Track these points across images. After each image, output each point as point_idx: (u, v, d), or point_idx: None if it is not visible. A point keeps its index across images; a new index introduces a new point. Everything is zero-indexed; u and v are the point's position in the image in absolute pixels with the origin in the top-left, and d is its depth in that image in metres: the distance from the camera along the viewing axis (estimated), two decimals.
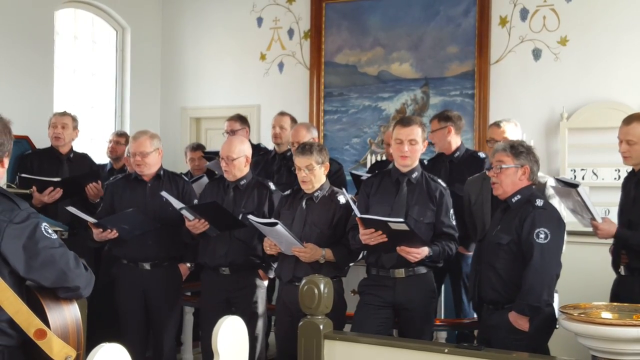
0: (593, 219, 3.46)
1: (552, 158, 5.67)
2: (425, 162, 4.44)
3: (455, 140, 4.40)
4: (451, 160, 4.36)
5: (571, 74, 5.66)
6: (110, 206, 4.19)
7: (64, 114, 4.92)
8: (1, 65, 5.45)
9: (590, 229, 3.59)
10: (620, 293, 3.49)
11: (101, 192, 4.58)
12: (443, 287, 4.46)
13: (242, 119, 5.26)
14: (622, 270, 3.53)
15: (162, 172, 4.24)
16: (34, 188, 4.47)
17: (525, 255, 3.20)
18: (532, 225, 3.20)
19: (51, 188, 4.49)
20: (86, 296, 2.38)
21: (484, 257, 3.39)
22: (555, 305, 3.38)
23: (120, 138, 5.39)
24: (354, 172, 5.06)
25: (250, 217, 3.72)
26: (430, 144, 5.60)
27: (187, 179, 4.44)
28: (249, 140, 5.15)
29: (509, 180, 3.33)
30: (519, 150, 3.34)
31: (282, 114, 5.07)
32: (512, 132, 4.11)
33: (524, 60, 5.83)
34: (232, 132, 5.11)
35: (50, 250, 2.24)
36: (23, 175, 4.52)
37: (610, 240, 3.64)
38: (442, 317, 4.47)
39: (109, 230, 3.97)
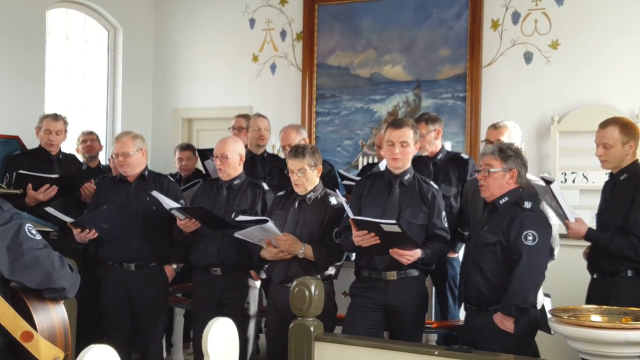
0: (565, 217, 3.47)
1: (543, 161, 5.70)
2: None
3: (439, 142, 4.41)
4: (434, 163, 4.35)
5: (562, 78, 5.69)
6: (96, 206, 4.18)
7: (57, 118, 4.85)
8: None
9: None
10: (593, 296, 3.51)
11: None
12: (434, 289, 4.47)
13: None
14: (595, 274, 3.56)
15: (146, 173, 4.23)
16: (30, 186, 4.46)
17: (513, 256, 3.21)
18: (520, 227, 3.21)
19: (47, 186, 4.47)
20: (71, 297, 2.35)
21: (470, 258, 3.40)
22: (548, 308, 3.39)
23: (92, 136, 5.44)
24: (341, 172, 5.05)
25: (237, 234, 3.70)
26: None
27: (172, 179, 4.42)
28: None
29: (496, 183, 3.33)
30: (507, 153, 3.33)
31: (259, 115, 5.03)
32: (510, 133, 4.03)
33: (516, 64, 5.86)
34: (239, 129, 5.13)
35: (35, 251, 2.22)
36: (21, 171, 4.48)
37: (586, 244, 3.66)
38: (433, 319, 4.48)
39: (88, 230, 3.95)
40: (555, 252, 3.74)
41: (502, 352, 3.03)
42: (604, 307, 3.19)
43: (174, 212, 3.89)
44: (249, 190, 4.06)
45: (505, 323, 3.19)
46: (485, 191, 3.38)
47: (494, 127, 4.09)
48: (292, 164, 3.69)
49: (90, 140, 5.41)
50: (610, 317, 3.04)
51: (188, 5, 7.07)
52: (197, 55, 7.03)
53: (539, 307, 3.49)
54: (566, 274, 4.10)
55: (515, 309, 3.15)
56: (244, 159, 4.11)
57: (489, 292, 3.26)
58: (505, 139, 3.96)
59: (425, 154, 4.34)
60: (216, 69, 6.94)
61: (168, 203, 3.93)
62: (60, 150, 4.94)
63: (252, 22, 6.80)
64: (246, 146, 4.90)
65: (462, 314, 4.20)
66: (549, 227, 3.35)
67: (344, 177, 4.90)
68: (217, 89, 6.95)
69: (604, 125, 3.53)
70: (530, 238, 3.17)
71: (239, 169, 4.08)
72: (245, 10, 6.81)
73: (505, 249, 3.24)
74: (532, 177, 3.78)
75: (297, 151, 3.71)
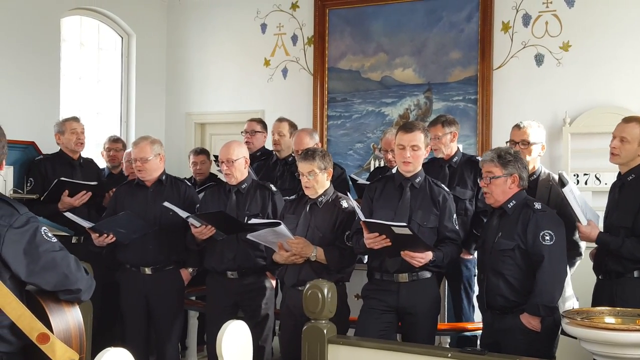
0: (578, 220, 3.48)
1: (555, 163, 5.67)
2: None
3: (455, 145, 4.41)
4: (450, 165, 4.34)
5: (573, 79, 5.67)
6: (114, 211, 4.23)
7: (77, 119, 4.99)
8: (8, 71, 5.49)
9: None
10: (599, 297, 3.50)
11: None
12: (447, 291, 4.47)
13: (263, 123, 5.40)
14: (600, 275, 3.55)
15: (164, 177, 4.27)
16: (66, 192, 4.57)
17: (533, 258, 3.25)
18: (536, 228, 3.25)
19: (83, 192, 4.60)
20: (85, 300, 2.39)
21: (488, 265, 3.41)
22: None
23: (117, 144, 5.53)
24: (352, 176, 5.09)
25: (250, 236, 3.72)
26: None
27: (189, 183, 4.47)
28: (264, 146, 5.27)
29: (499, 189, 3.37)
30: (506, 159, 3.37)
31: (280, 120, 5.11)
32: (534, 133, 3.93)
33: (527, 66, 5.85)
34: (252, 132, 5.23)
35: (52, 253, 2.26)
36: (62, 178, 4.61)
37: (593, 245, 3.65)
38: (446, 321, 4.48)
39: (106, 235, 4.01)
40: (582, 249, 3.74)
41: (528, 351, 3.08)
42: (618, 308, 3.18)
43: (190, 220, 3.93)
44: (258, 193, 4.09)
45: (532, 323, 3.23)
46: (489, 198, 3.42)
47: (518, 127, 3.97)
48: (302, 167, 3.72)
49: (114, 150, 5.48)
50: (624, 319, 3.04)
51: (200, 11, 7.12)
52: (210, 60, 7.08)
53: (567, 306, 3.50)
54: (576, 275, 4.10)
55: (543, 309, 3.19)
56: (248, 161, 4.15)
57: (514, 297, 3.29)
58: (530, 138, 3.89)
59: (440, 156, 4.34)
60: (228, 73, 6.99)
61: (183, 213, 3.96)
62: (80, 155, 5.02)
63: (263, 27, 6.84)
64: (272, 150, 5.09)
65: (476, 316, 4.20)
66: (562, 224, 3.36)
67: (354, 181, 4.93)
68: (229, 93, 6.99)
69: (628, 120, 3.54)
70: (547, 238, 3.22)
71: (245, 172, 4.11)
72: (256, 15, 6.85)
73: (524, 252, 3.28)
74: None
75: (307, 154, 3.74)
